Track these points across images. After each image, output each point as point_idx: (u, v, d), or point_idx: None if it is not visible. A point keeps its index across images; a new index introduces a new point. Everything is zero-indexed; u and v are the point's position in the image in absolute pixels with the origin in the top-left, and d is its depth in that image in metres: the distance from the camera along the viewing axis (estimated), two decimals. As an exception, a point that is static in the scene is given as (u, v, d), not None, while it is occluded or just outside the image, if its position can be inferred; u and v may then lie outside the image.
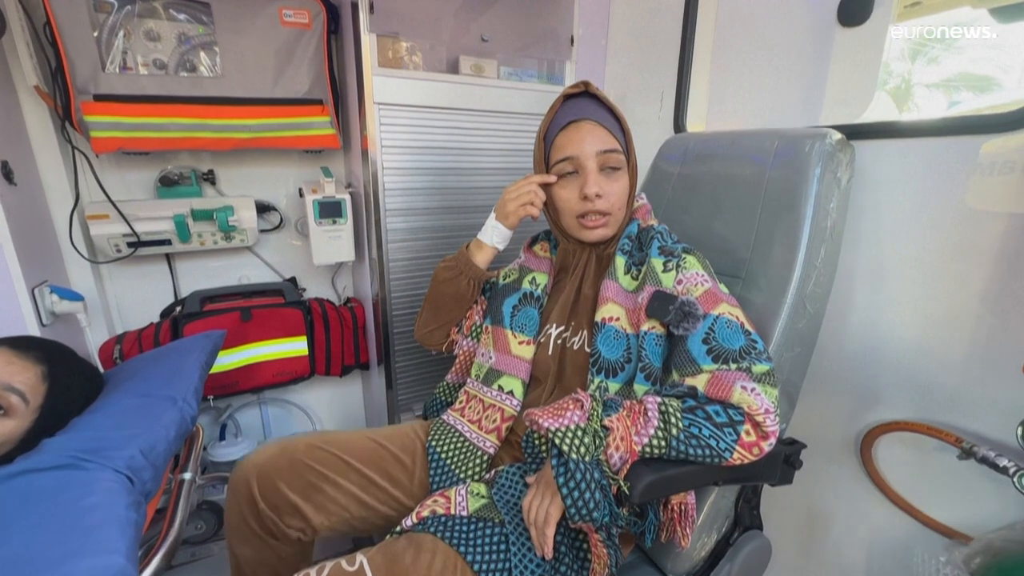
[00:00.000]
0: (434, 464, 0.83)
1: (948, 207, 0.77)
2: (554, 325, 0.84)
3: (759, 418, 0.60)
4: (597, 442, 0.60)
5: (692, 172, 0.96)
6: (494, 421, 0.84)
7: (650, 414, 0.61)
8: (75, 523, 0.58)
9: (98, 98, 1.04)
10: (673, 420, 0.60)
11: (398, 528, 0.70)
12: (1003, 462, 0.68)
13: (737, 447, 0.60)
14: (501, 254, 0.91)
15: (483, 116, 1.25)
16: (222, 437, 1.39)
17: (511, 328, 0.87)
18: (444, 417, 0.90)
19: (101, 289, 1.24)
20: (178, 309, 1.26)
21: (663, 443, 0.60)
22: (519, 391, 0.84)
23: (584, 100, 0.80)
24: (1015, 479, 0.66)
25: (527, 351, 0.85)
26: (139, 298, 1.30)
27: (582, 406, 0.63)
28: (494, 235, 0.88)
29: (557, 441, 0.58)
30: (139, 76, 1.07)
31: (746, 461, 0.61)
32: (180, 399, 0.86)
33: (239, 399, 1.43)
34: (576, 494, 0.57)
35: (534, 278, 0.90)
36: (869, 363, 0.89)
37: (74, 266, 1.18)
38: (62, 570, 0.52)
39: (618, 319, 0.75)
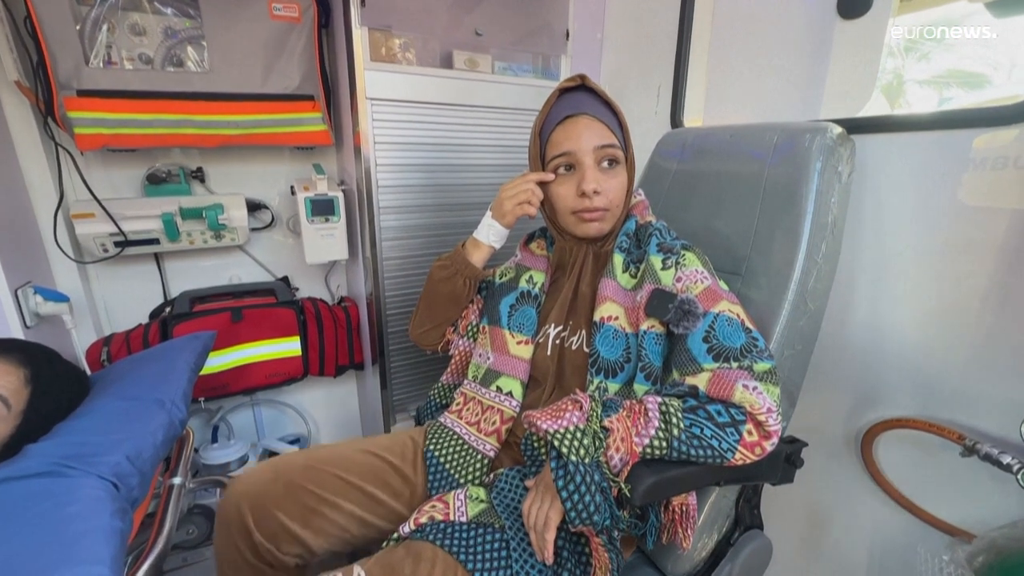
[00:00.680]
0: (432, 469, 0.81)
1: (949, 202, 0.76)
2: (552, 325, 0.83)
3: (761, 417, 0.59)
4: (597, 443, 0.58)
5: (690, 168, 0.95)
6: (493, 423, 0.82)
7: (651, 414, 0.60)
8: (58, 532, 0.56)
9: (82, 93, 1.02)
10: (674, 420, 0.59)
11: (396, 535, 0.68)
12: (1007, 459, 0.67)
13: (739, 447, 0.59)
14: (496, 252, 0.89)
15: (477, 111, 1.24)
16: (214, 439, 1.37)
17: (509, 328, 0.86)
18: (441, 420, 0.88)
19: (88, 290, 1.22)
20: (167, 310, 1.24)
21: (664, 444, 0.59)
22: (518, 392, 0.83)
23: (581, 94, 0.79)
24: (1019, 476, 0.65)
25: (525, 351, 0.84)
26: (127, 299, 1.27)
27: (581, 407, 0.61)
28: (490, 234, 0.86)
29: (556, 443, 0.57)
30: (124, 71, 1.05)
31: (748, 461, 0.60)
32: (169, 402, 0.84)
33: (231, 401, 1.41)
34: (576, 497, 0.56)
35: (531, 276, 0.88)
36: (870, 360, 0.88)
37: (59, 266, 1.15)
38: (43, 582, 0.51)
39: (617, 318, 0.74)
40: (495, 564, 0.62)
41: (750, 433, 0.59)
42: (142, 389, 0.85)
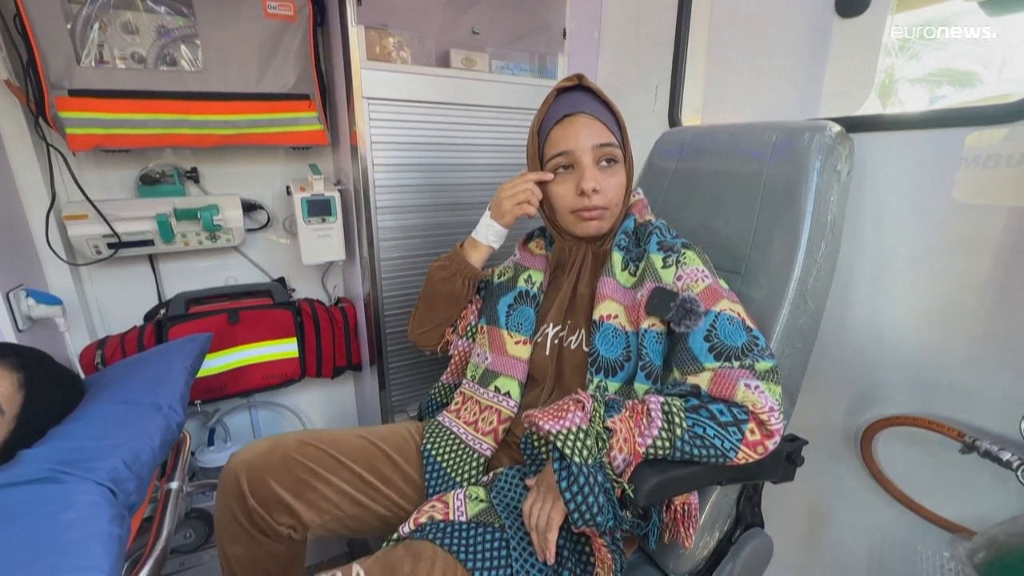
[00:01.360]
0: (429, 468, 0.81)
1: (944, 200, 0.76)
2: (551, 324, 0.82)
3: (764, 416, 0.59)
4: (600, 444, 0.58)
5: (689, 167, 0.95)
6: (491, 423, 0.82)
7: (653, 414, 0.59)
8: (54, 539, 0.56)
9: (73, 93, 1.00)
10: (677, 420, 0.59)
11: (395, 535, 0.68)
12: (1006, 456, 0.68)
13: (742, 446, 0.59)
14: (495, 252, 0.89)
15: (475, 111, 1.23)
16: (211, 443, 1.36)
17: (507, 328, 0.85)
18: (439, 419, 0.88)
19: (81, 292, 1.20)
20: (162, 312, 1.22)
21: (667, 444, 0.59)
22: (516, 392, 0.82)
23: (578, 93, 0.78)
24: (1018, 473, 0.66)
25: (523, 351, 0.83)
26: (121, 301, 1.26)
27: (583, 407, 0.61)
28: (489, 234, 0.86)
29: (559, 444, 0.57)
30: (116, 70, 1.03)
31: (751, 460, 0.60)
32: (165, 405, 0.83)
33: (228, 403, 1.40)
34: (579, 498, 0.55)
35: (530, 276, 0.88)
36: (869, 357, 0.88)
37: (52, 269, 1.13)
38: (40, 591, 0.50)
39: (616, 317, 0.73)
40: (495, 563, 0.62)
41: (752, 432, 0.59)
42: (138, 392, 0.84)
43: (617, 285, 0.76)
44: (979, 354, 0.75)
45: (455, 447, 0.82)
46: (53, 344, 1.09)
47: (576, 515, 0.56)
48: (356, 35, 1.05)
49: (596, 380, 0.72)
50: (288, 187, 1.24)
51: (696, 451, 0.59)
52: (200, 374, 1.10)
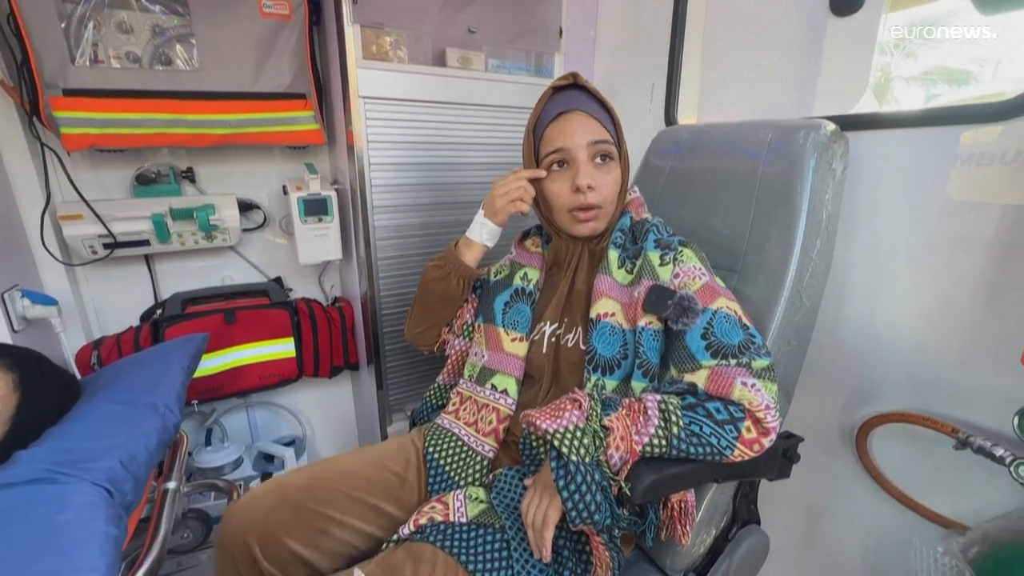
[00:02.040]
0: (433, 472, 0.81)
1: (939, 197, 0.77)
2: (548, 322, 0.82)
3: (760, 414, 0.59)
4: (597, 443, 0.58)
5: (686, 165, 0.95)
6: (490, 422, 0.82)
7: (650, 413, 0.60)
8: (51, 541, 0.56)
9: (68, 93, 1.00)
10: (673, 419, 0.59)
11: (395, 537, 0.68)
12: (999, 451, 0.68)
13: (738, 444, 0.59)
14: (492, 249, 0.89)
15: (471, 110, 1.23)
16: (208, 442, 1.36)
17: (503, 325, 0.85)
18: (439, 421, 0.88)
19: (77, 292, 1.20)
20: (159, 312, 1.22)
21: (664, 442, 0.59)
22: (513, 389, 0.82)
23: (573, 92, 0.78)
24: (1011, 468, 0.66)
25: (520, 348, 0.83)
26: (117, 301, 1.25)
27: (580, 406, 0.61)
28: (483, 232, 0.85)
29: (556, 443, 0.57)
30: (111, 69, 1.03)
31: (747, 458, 0.61)
32: (162, 405, 0.83)
33: (225, 403, 1.40)
34: (577, 497, 0.56)
35: (526, 274, 0.88)
36: (865, 355, 0.89)
37: (47, 269, 1.13)
38: (37, 592, 0.50)
39: (613, 314, 0.74)
40: (496, 564, 0.62)
41: (748, 430, 0.60)
42: (135, 393, 0.84)
43: (614, 283, 0.76)
44: (973, 351, 0.76)
45: (458, 450, 0.82)
46: (49, 345, 1.09)
47: (574, 513, 0.56)
48: (352, 34, 1.04)
49: (593, 378, 0.72)
50: (284, 186, 1.24)
51: (692, 449, 0.59)
52: (197, 374, 1.10)
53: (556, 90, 0.79)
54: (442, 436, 0.84)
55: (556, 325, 0.81)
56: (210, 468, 1.27)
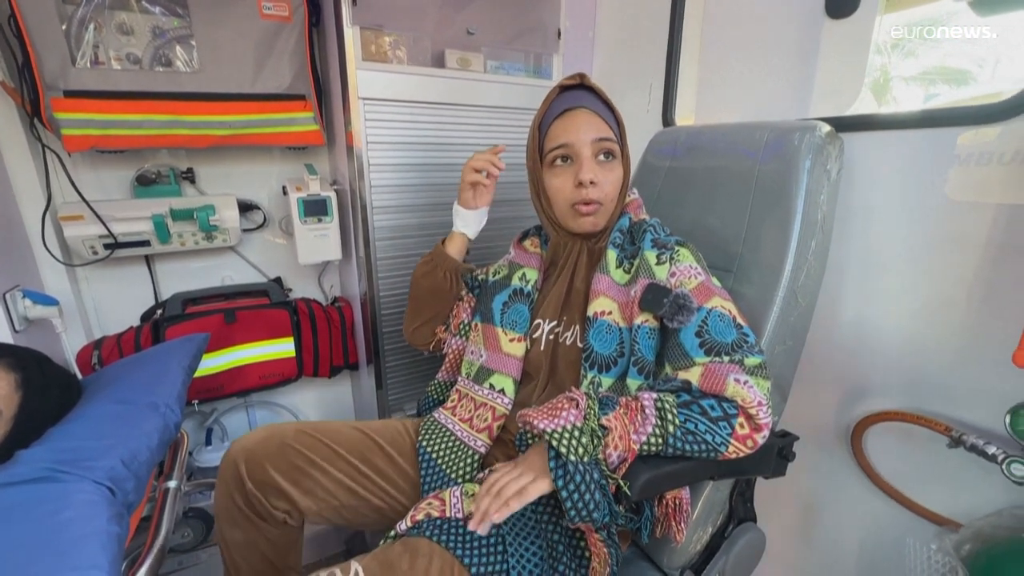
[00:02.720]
0: (425, 464, 0.82)
1: (936, 198, 0.78)
2: (546, 320, 0.83)
3: (752, 410, 0.60)
4: (595, 442, 0.59)
5: (683, 166, 0.96)
6: (485, 420, 0.83)
7: (647, 411, 0.60)
8: (53, 539, 0.56)
9: (68, 94, 1.00)
10: (669, 417, 0.60)
11: (392, 532, 0.68)
12: (991, 450, 0.69)
13: (732, 440, 0.60)
14: (491, 250, 0.90)
15: (470, 111, 1.23)
16: (208, 442, 1.36)
17: (501, 325, 0.86)
18: (435, 415, 0.89)
19: (77, 293, 1.20)
20: (159, 312, 1.22)
21: (660, 440, 0.60)
22: (510, 389, 0.83)
23: (580, 91, 0.80)
24: (1004, 466, 0.67)
25: (518, 348, 0.84)
26: (118, 301, 1.26)
27: (577, 405, 0.62)
28: (457, 221, 0.91)
29: (554, 443, 0.57)
30: (112, 71, 1.03)
31: (741, 454, 0.61)
32: (163, 405, 0.84)
33: (225, 403, 1.40)
34: (576, 496, 0.56)
35: (524, 274, 0.89)
36: (859, 354, 0.89)
37: (48, 269, 1.13)
38: (40, 589, 0.50)
39: (610, 313, 0.74)
40: (491, 559, 0.63)
41: (742, 426, 0.61)
42: (135, 392, 0.85)
43: (611, 282, 0.77)
44: (967, 350, 0.76)
45: (450, 444, 0.83)
46: (50, 345, 1.09)
47: (573, 512, 0.57)
48: (351, 35, 1.05)
49: (590, 375, 0.73)
50: (284, 187, 1.24)
51: (688, 446, 0.60)
52: (197, 374, 1.10)
53: (563, 89, 0.81)
54: (435, 430, 0.86)
55: (555, 323, 0.82)
56: (210, 468, 1.28)
